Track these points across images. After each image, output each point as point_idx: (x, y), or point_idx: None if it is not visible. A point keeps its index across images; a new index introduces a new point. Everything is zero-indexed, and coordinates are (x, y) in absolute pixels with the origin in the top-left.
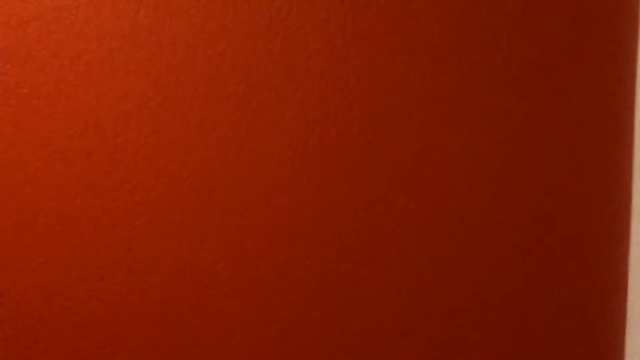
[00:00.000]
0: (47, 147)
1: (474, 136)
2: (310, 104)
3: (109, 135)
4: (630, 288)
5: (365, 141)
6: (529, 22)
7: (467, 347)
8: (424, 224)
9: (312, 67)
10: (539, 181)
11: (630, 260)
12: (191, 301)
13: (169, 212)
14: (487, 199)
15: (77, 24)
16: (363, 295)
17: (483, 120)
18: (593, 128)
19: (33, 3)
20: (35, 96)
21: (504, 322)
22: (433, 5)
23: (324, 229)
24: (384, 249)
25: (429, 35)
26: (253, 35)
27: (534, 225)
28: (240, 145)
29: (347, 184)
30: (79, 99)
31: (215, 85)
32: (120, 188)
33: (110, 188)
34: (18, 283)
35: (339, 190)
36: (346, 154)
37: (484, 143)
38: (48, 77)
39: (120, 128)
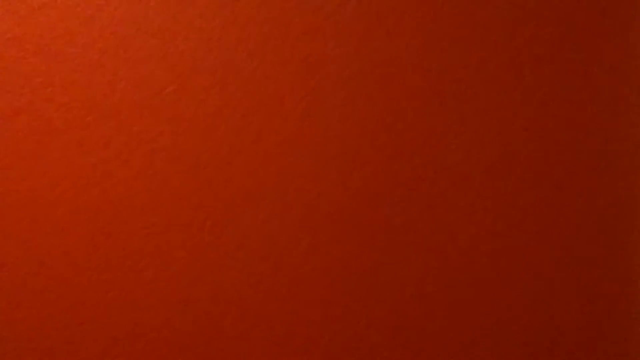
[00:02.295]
0: (62, 137)
1: (485, 137)
2: (327, 89)
3: (125, 124)
4: None
5: (384, 132)
6: (536, 26)
7: (478, 345)
8: (434, 223)
9: (328, 52)
10: (551, 182)
11: None
12: (210, 290)
13: (187, 201)
14: (499, 200)
15: (89, 11)
16: (369, 294)
17: (492, 122)
18: (602, 129)
19: None
20: (49, 85)
21: (514, 320)
22: (439, 4)
23: (340, 217)
24: (393, 246)
25: (435, 33)
26: (268, 20)
27: (548, 226)
28: (258, 132)
29: (363, 173)
30: (94, 87)
31: (230, 71)
32: (137, 177)
33: (128, 177)
34: (35, 272)
35: (356, 179)
36: (364, 142)
37: (495, 145)
38: (62, 66)
39: (136, 116)
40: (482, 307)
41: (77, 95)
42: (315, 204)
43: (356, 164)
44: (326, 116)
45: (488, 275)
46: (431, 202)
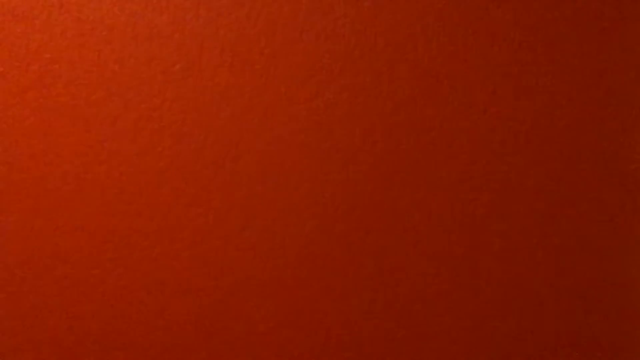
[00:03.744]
0: (70, 114)
1: (485, 136)
2: (338, 70)
3: (133, 101)
4: None
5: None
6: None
7: (478, 345)
8: (436, 221)
9: (338, 29)
10: (551, 181)
11: None
12: (216, 267)
13: (195, 179)
14: (499, 200)
15: None
16: (370, 283)
17: (493, 121)
18: (602, 128)
19: None
20: (57, 61)
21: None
22: (442, 6)
23: (346, 197)
24: (396, 240)
25: (439, 33)
26: None
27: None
28: (266, 111)
29: (374, 152)
30: (102, 64)
31: (239, 49)
32: (145, 155)
33: (135, 155)
34: (42, 249)
35: (366, 158)
36: (374, 120)
37: (495, 145)
38: (70, 42)
39: (144, 94)
40: (481, 307)
41: (84, 73)
42: (323, 185)
43: (366, 143)
44: (336, 96)
45: (487, 275)
46: (434, 200)
